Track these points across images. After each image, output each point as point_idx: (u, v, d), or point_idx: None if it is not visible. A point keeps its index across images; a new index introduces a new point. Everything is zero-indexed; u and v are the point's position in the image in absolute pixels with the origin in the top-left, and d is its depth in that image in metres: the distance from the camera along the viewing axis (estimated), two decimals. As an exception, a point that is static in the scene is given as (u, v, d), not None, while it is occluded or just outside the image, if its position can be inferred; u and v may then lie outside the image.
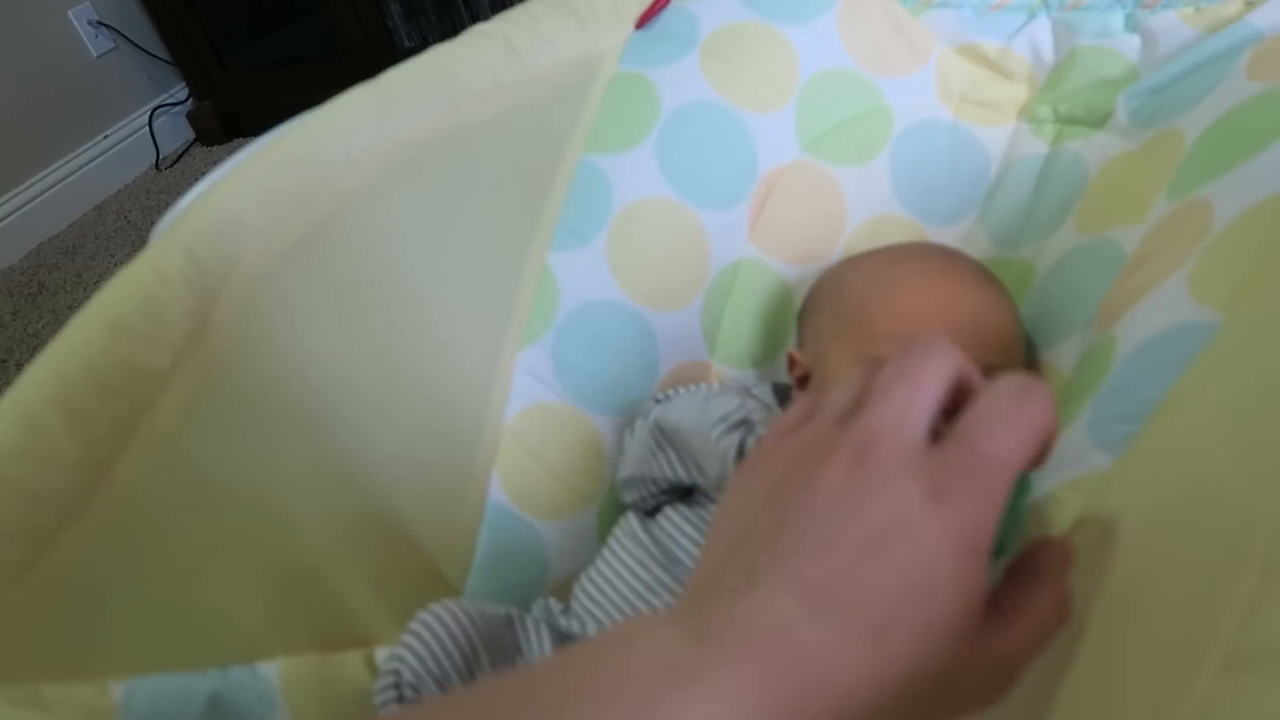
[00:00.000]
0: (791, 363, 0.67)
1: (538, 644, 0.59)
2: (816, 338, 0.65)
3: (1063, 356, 0.61)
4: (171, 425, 0.56)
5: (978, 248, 0.73)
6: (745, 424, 0.53)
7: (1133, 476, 0.44)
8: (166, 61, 2.35)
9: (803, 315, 0.69)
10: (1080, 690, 0.38)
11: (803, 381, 0.65)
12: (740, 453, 0.51)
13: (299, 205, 0.61)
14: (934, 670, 0.27)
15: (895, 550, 0.28)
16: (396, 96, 0.66)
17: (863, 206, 0.75)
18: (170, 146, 2.43)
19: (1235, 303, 0.45)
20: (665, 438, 0.59)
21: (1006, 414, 0.30)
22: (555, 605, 0.63)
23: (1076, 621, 0.42)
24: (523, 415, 0.68)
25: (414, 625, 0.56)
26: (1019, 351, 0.61)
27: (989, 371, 0.58)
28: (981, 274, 0.64)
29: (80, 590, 0.51)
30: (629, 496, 0.66)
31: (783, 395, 0.66)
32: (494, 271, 0.68)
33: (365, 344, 0.63)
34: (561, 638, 0.60)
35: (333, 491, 0.62)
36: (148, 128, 2.37)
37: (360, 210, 0.63)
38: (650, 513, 0.65)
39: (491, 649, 0.57)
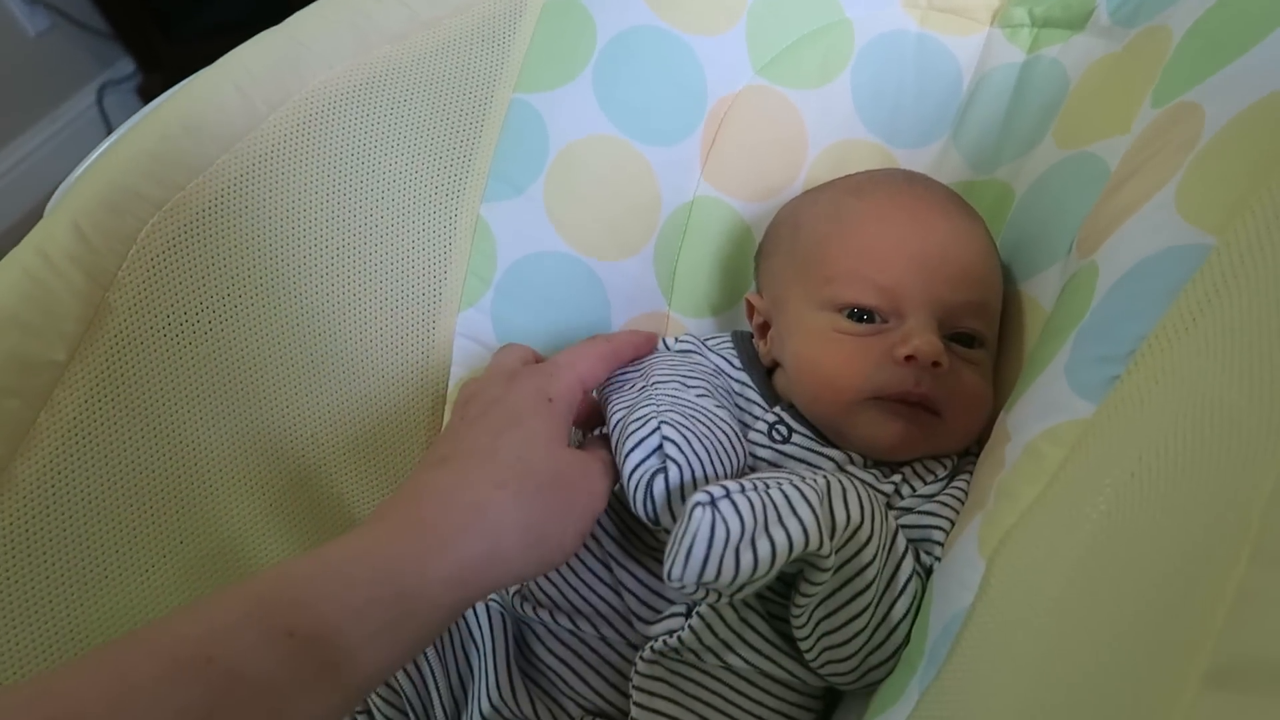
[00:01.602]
0: (750, 309, 0.61)
1: (488, 630, 0.55)
2: (774, 282, 0.60)
3: (1044, 288, 0.55)
4: (74, 421, 0.51)
5: (951, 170, 0.68)
6: (658, 454, 0.45)
7: (1116, 428, 0.40)
8: (108, 35, 2.24)
9: (760, 256, 0.64)
10: (1047, 677, 0.34)
11: (764, 329, 0.60)
12: (649, 496, 0.44)
13: (199, 171, 0.56)
14: (546, 473, 0.44)
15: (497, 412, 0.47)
16: (302, 43, 0.59)
17: (824, 132, 0.69)
18: (123, 124, 2.33)
19: (1229, 221, 0.40)
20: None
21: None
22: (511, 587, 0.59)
23: (1037, 601, 0.38)
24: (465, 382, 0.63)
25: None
26: (995, 286, 0.56)
27: (964, 311, 0.54)
28: (951, 202, 0.58)
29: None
30: (583, 464, 0.61)
31: (743, 344, 0.60)
32: (424, 231, 0.62)
33: (287, 317, 0.58)
34: (515, 622, 0.56)
35: (265, 478, 0.58)
36: (97, 106, 2.26)
37: (270, 172, 0.58)
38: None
39: (437, 639, 0.53)
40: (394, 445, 0.61)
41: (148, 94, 2.30)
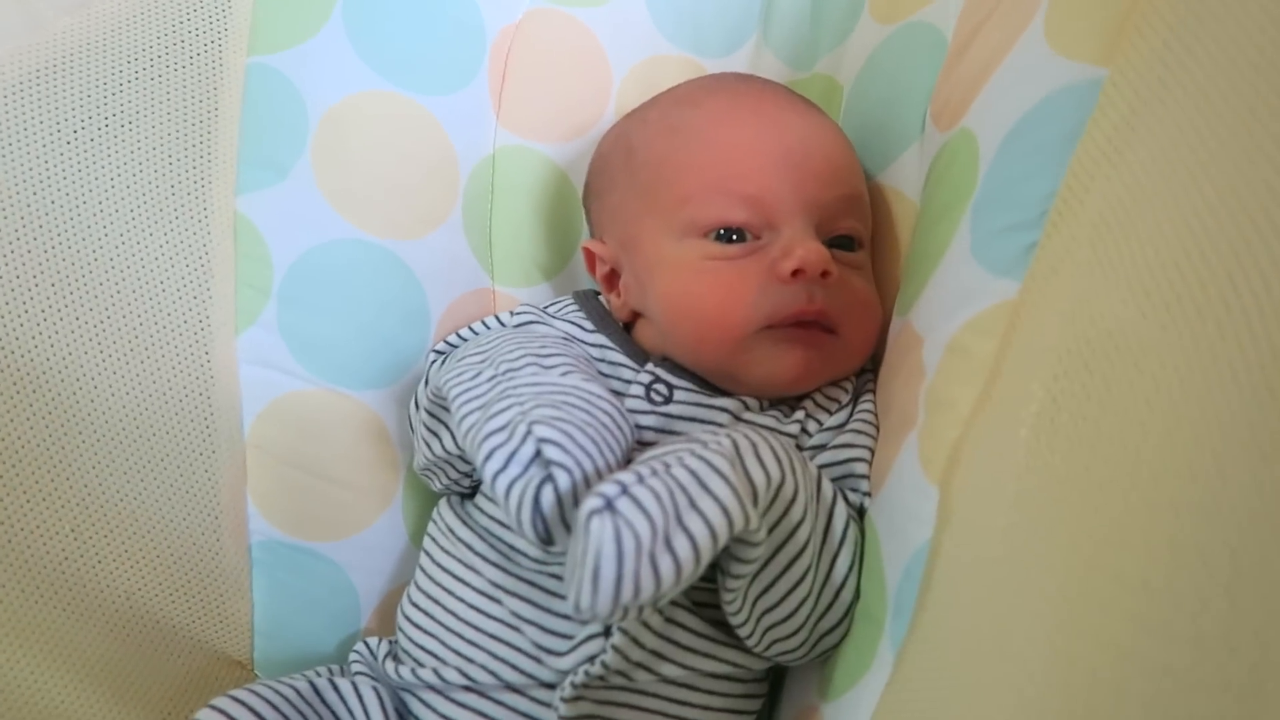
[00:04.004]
0: (591, 259, 0.53)
1: (360, 710, 0.44)
2: (617, 220, 0.51)
3: (903, 175, 0.50)
4: None
5: (767, 73, 0.62)
6: (537, 463, 0.35)
7: (1050, 299, 0.34)
8: None
9: (591, 197, 0.56)
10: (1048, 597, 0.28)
11: (612, 279, 0.52)
12: (537, 516, 0.35)
13: None
14: None
15: None
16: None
17: (625, 52, 0.62)
18: None
19: (1115, 44, 0.35)
20: (445, 410, 0.44)
21: None
22: (379, 647, 0.49)
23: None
24: (265, 418, 0.51)
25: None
26: (862, 177, 0.51)
27: (839, 209, 0.48)
28: (793, 95, 0.52)
29: None
30: (436, 484, 0.51)
31: (590, 303, 0.52)
32: (166, 245, 0.49)
33: (9, 390, 0.44)
34: (392, 691, 0.46)
35: (36, 599, 0.45)
36: None
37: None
38: (469, 494, 0.51)
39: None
40: (190, 513, 0.49)
41: None
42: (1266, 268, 0.25)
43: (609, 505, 0.32)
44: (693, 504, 0.33)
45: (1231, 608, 0.23)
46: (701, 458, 0.34)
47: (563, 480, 0.35)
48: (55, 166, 0.46)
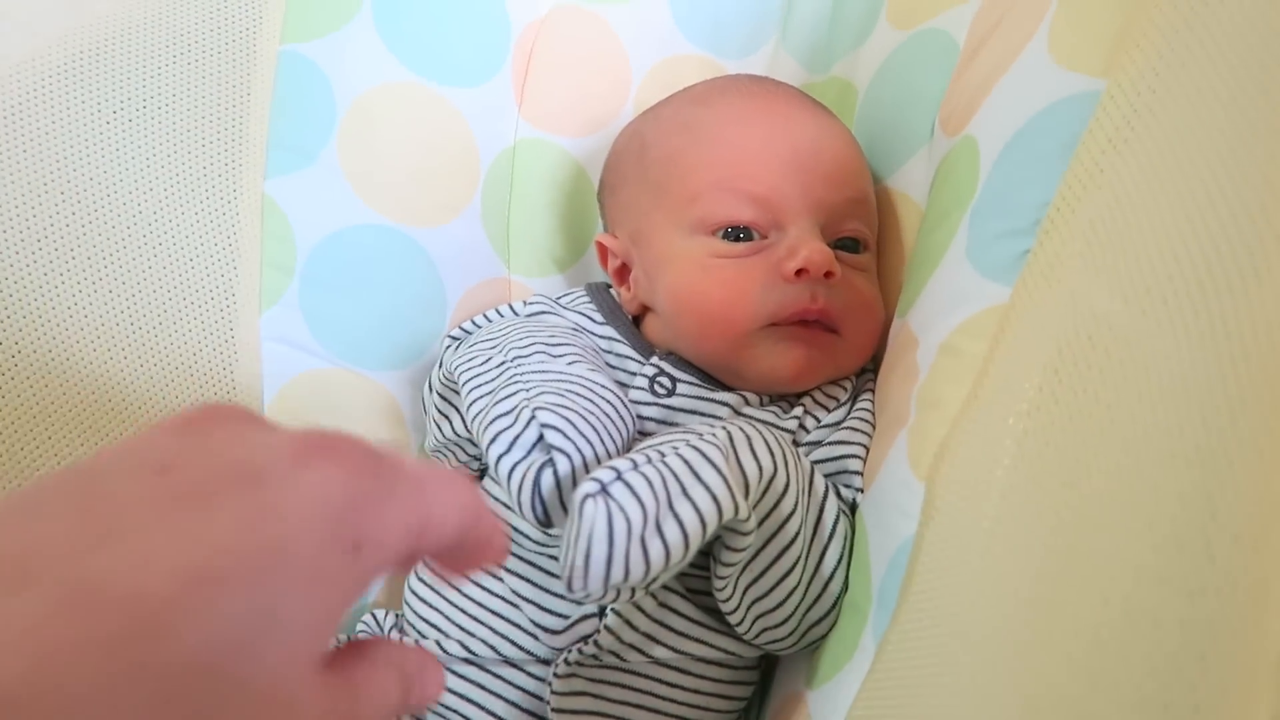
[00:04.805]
0: (603, 253, 0.54)
1: (365, 680, 0.46)
2: (628, 215, 0.53)
3: (911, 180, 0.51)
4: None
5: (784, 75, 0.63)
6: (539, 447, 0.37)
7: (1039, 307, 0.35)
8: None
9: (605, 191, 0.57)
10: (1028, 597, 0.29)
11: (623, 273, 0.53)
12: (537, 498, 0.37)
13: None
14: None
15: (227, 502, 0.20)
16: (-6, 10, 0.47)
17: (646, 51, 0.63)
18: None
19: (1113, 58, 0.36)
20: (456, 394, 0.46)
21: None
22: (386, 619, 0.50)
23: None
24: (285, 394, 0.53)
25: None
26: (870, 180, 0.52)
27: (846, 211, 0.49)
28: (805, 98, 0.53)
29: None
30: (447, 466, 0.53)
31: (601, 296, 0.53)
32: (196, 224, 0.51)
33: (39, 360, 0.46)
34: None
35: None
36: None
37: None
38: (478, 477, 0.52)
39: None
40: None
41: None
42: (1232, 273, 0.26)
43: (603, 490, 0.33)
44: (684, 492, 0.34)
45: (1180, 629, 0.24)
46: (696, 448, 0.36)
47: (562, 465, 0.36)
48: (94, 145, 0.48)
